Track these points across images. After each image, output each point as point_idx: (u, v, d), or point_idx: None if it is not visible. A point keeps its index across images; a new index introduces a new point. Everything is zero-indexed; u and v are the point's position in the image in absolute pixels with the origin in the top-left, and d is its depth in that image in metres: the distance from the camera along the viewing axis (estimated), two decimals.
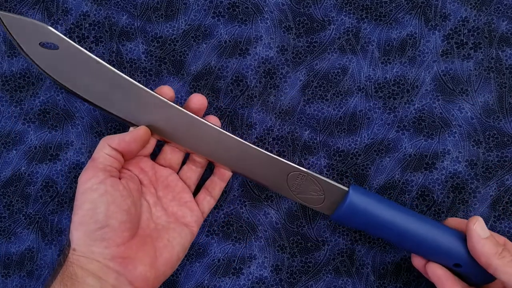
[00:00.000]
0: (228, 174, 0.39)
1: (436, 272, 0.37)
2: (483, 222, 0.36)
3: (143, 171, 0.38)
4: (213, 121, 0.38)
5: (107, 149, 0.35)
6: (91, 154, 0.42)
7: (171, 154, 0.39)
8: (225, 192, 0.43)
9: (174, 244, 0.36)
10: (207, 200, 0.39)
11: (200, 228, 0.43)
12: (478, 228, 0.35)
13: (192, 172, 0.40)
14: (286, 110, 0.42)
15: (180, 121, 0.37)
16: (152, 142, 0.38)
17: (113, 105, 0.37)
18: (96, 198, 0.32)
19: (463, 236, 0.37)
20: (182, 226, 0.37)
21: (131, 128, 0.37)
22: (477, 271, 0.36)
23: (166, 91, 0.37)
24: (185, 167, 0.40)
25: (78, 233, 0.32)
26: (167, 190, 0.38)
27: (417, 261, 0.38)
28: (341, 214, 0.37)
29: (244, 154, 0.38)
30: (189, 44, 0.42)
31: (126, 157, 0.36)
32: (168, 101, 0.37)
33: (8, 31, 0.35)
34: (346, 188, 0.37)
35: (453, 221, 0.39)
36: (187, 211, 0.38)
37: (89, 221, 0.32)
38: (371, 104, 0.42)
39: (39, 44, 0.35)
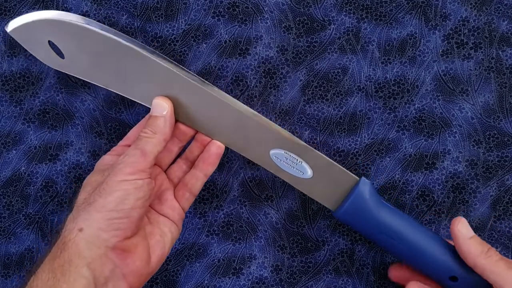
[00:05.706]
0: (211, 168, 0.39)
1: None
2: (466, 222, 0.36)
3: None
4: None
5: (161, 146, 0.35)
6: (91, 154, 0.42)
7: (162, 153, 0.39)
8: (225, 192, 0.43)
9: (165, 240, 0.36)
10: (186, 197, 0.39)
11: (200, 228, 0.43)
12: (462, 228, 0.35)
13: (181, 171, 0.39)
14: (286, 110, 0.42)
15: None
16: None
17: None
18: (130, 190, 0.33)
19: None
20: (170, 222, 0.37)
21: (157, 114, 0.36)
22: (474, 286, 0.36)
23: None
24: (174, 166, 0.40)
25: (97, 215, 0.32)
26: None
27: (396, 274, 0.40)
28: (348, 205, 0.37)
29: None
30: (189, 44, 0.42)
31: None
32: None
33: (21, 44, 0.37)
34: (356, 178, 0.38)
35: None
36: (169, 210, 0.38)
37: (114, 208, 0.32)
38: (371, 104, 0.42)
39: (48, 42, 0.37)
